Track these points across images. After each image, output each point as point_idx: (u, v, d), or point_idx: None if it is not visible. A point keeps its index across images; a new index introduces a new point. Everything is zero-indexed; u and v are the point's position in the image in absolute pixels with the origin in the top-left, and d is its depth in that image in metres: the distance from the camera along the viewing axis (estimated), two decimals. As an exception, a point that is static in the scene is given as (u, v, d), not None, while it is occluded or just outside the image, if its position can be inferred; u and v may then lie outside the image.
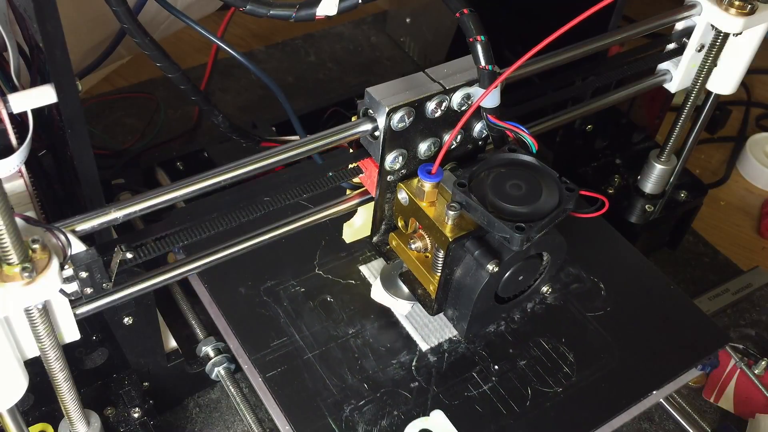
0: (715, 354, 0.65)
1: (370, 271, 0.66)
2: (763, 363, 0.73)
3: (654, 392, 0.61)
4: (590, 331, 0.64)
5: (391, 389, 0.59)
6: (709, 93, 0.73)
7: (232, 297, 0.63)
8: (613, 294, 0.67)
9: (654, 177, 0.79)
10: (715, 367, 0.66)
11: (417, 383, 0.59)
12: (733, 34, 0.67)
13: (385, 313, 0.63)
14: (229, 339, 0.62)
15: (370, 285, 0.65)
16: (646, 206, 0.80)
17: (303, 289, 0.64)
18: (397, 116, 0.52)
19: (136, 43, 0.50)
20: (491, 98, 0.52)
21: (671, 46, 0.69)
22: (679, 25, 0.68)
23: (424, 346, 0.62)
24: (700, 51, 0.69)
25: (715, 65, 0.70)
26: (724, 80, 0.70)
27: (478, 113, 0.54)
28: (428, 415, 0.57)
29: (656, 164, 0.79)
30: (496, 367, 0.61)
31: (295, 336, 0.61)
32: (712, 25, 0.66)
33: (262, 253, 0.63)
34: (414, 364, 0.60)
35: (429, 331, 0.62)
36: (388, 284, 0.62)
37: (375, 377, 0.59)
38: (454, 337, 0.62)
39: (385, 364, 0.60)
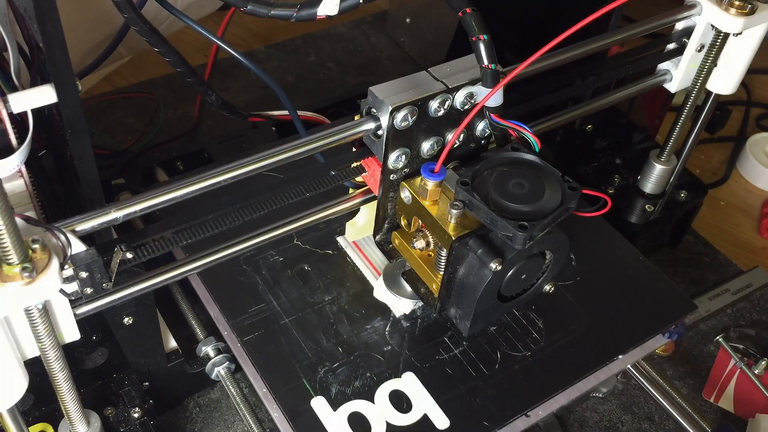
0: (682, 322, 0.66)
1: (347, 241, 0.68)
2: (763, 363, 0.73)
3: (620, 357, 0.63)
4: (560, 299, 0.66)
5: (364, 352, 0.61)
6: (709, 93, 0.73)
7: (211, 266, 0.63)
8: (584, 264, 0.69)
9: (654, 177, 0.79)
10: (681, 335, 0.67)
11: (390, 347, 0.61)
12: (733, 34, 0.67)
13: (361, 281, 0.66)
14: (210, 307, 0.63)
15: (346, 254, 0.67)
16: (646, 206, 0.80)
17: (281, 259, 0.66)
18: (400, 115, 0.51)
19: (125, 18, 0.50)
20: (494, 97, 0.52)
21: (671, 46, 0.69)
22: (679, 25, 0.68)
23: (397, 313, 0.63)
24: (700, 51, 0.68)
25: (715, 65, 0.70)
26: (724, 80, 0.70)
27: (481, 112, 0.54)
28: (400, 377, 0.59)
29: (656, 164, 0.79)
30: None
31: (272, 302, 0.63)
32: (712, 25, 0.66)
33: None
34: (387, 329, 0.62)
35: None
36: (391, 283, 0.62)
37: (349, 341, 0.61)
38: None
39: (359, 329, 0.62)
